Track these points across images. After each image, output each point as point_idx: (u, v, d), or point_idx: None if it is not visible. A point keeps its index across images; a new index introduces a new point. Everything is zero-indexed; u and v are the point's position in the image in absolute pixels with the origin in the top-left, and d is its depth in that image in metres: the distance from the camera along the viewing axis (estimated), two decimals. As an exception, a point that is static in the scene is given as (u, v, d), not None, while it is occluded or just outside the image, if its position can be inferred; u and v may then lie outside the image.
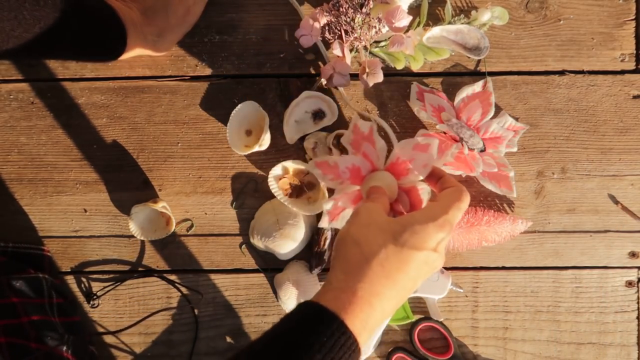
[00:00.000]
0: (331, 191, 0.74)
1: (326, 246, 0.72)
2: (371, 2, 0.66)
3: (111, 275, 0.76)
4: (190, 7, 0.70)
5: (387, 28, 0.67)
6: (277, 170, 0.72)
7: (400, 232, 0.49)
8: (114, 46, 0.66)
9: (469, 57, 0.72)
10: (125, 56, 0.69)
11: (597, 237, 0.74)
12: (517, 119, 0.72)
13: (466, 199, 0.53)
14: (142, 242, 0.75)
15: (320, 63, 0.73)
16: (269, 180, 0.72)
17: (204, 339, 0.76)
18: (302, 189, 0.73)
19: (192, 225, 0.75)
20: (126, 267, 0.76)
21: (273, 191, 0.72)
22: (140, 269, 0.75)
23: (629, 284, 0.74)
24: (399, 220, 0.51)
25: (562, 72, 0.73)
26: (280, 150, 0.74)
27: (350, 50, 0.70)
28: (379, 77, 0.68)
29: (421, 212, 0.52)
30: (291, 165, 0.72)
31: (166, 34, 0.70)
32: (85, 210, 0.75)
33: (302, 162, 0.73)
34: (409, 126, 0.73)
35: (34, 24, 0.56)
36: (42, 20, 0.57)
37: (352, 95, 0.73)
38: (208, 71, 0.74)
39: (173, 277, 0.75)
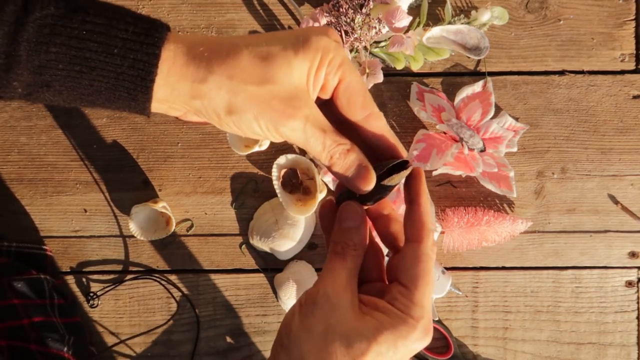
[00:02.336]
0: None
1: None
2: (371, 3, 0.66)
3: (111, 276, 0.76)
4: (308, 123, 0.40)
5: (387, 28, 0.67)
6: (282, 159, 0.72)
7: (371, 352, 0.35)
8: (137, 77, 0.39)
9: (469, 57, 0.72)
10: (158, 83, 0.39)
11: (597, 237, 0.74)
12: (517, 119, 0.72)
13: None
14: (142, 242, 0.75)
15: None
16: (274, 165, 0.71)
17: (204, 339, 0.76)
18: (297, 188, 0.73)
19: (192, 225, 0.75)
20: (126, 267, 0.76)
21: (273, 174, 0.71)
22: (140, 269, 0.76)
23: (629, 284, 0.74)
24: (369, 330, 0.36)
25: (562, 72, 0.73)
26: (280, 150, 0.74)
27: (351, 51, 0.70)
28: (379, 78, 0.68)
29: (395, 317, 0.37)
30: (304, 160, 0.72)
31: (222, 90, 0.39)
32: (85, 210, 0.75)
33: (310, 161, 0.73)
34: (409, 126, 0.73)
35: None
36: None
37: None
38: (208, 71, 0.74)
39: (173, 277, 0.75)
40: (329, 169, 0.40)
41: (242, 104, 0.38)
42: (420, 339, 0.36)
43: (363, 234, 0.39)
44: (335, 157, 0.39)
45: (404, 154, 0.41)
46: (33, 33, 0.36)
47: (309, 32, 0.39)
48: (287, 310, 0.73)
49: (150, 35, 0.37)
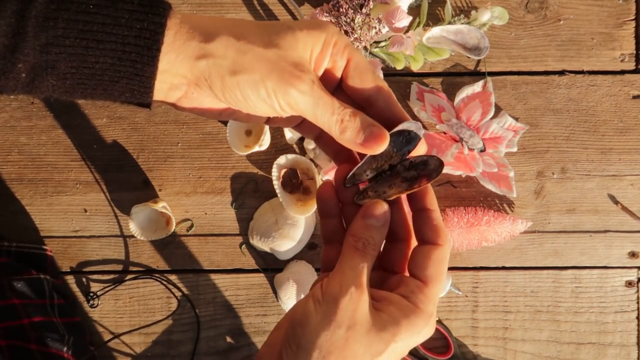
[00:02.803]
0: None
1: None
2: (371, 3, 0.66)
3: (111, 276, 0.76)
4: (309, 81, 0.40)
5: (387, 28, 0.67)
6: (282, 159, 0.72)
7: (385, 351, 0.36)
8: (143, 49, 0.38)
9: (469, 57, 0.72)
10: (165, 50, 0.38)
11: (597, 237, 0.74)
12: (517, 119, 0.72)
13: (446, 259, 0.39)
14: (142, 242, 0.75)
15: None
16: (274, 165, 0.71)
17: (204, 339, 0.76)
18: (297, 188, 0.73)
19: (192, 225, 0.75)
20: (126, 267, 0.76)
21: (273, 174, 0.71)
22: (140, 268, 0.76)
23: (629, 284, 0.74)
24: (386, 331, 0.36)
25: (562, 72, 0.73)
26: (280, 150, 0.74)
27: (350, 51, 0.70)
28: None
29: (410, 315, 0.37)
30: (304, 160, 0.72)
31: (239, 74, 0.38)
32: (85, 210, 0.75)
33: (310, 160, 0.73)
34: (409, 126, 0.73)
35: None
36: None
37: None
38: (208, 71, 0.74)
39: (173, 277, 0.75)
40: (339, 138, 0.38)
41: (250, 63, 0.37)
42: (429, 333, 0.38)
43: (385, 233, 0.39)
44: (345, 119, 0.38)
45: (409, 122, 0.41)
46: (41, 9, 0.36)
47: (314, 19, 0.40)
48: (287, 311, 0.73)
49: (155, 6, 0.38)
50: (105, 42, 0.37)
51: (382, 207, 0.39)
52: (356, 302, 0.36)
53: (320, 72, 0.40)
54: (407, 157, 0.39)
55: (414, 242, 0.41)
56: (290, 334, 0.37)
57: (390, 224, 0.40)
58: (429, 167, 0.39)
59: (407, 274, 0.40)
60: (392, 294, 0.38)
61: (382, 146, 0.38)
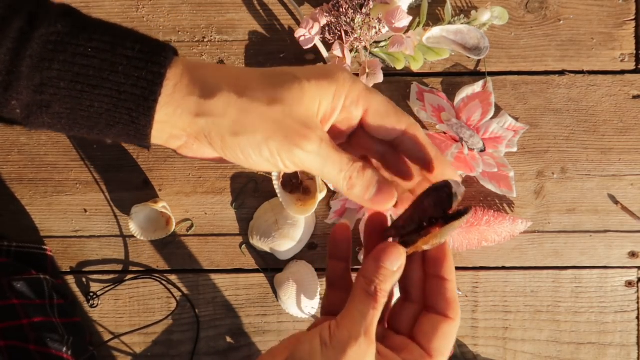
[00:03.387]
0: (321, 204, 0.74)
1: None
2: (371, 3, 0.66)
3: (111, 276, 0.76)
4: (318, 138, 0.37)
5: (387, 28, 0.67)
6: None
7: None
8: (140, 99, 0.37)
9: (469, 57, 0.72)
10: (162, 102, 0.37)
11: (597, 237, 0.74)
12: (517, 119, 0.72)
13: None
14: (142, 242, 0.75)
15: (320, 63, 0.73)
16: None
17: (204, 339, 0.76)
18: (297, 188, 0.73)
19: (192, 225, 0.75)
20: (126, 267, 0.76)
21: (273, 174, 0.71)
22: (140, 269, 0.76)
23: (629, 284, 0.74)
24: None
25: (562, 72, 0.73)
26: (280, 150, 0.74)
27: (351, 51, 0.70)
28: (379, 78, 0.68)
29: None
30: None
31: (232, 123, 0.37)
32: (85, 210, 0.75)
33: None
34: (409, 126, 0.73)
35: None
36: None
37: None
38: (208, 71, 0.74)
39: (173, 277, 0.75)
40: (347, 194, 0.37)
41: (252, 123, 0.35)
42: None
43: (396, 281, 0.37)
44: (354, 176, 0.37)
45: (449, 172, 0.39)
46: (37, 49, 0.35)
47: (324, 66, 0.37)
48: (287, 311, 0.74)
49: (156, 54, 0.36)
50: (101, 88, 0.36)
51: (398, 251, 0.36)
52: (364, 354, 0.35)
53: (329, 125, 0.38)
54: (449, 210, 0.37)
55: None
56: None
57: (405, 281, 0.39)
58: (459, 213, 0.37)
59: (410, 337, 0.39)
60: (396, 356, 0.37)
61: (389, 203, 0.37)
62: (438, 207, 0.37)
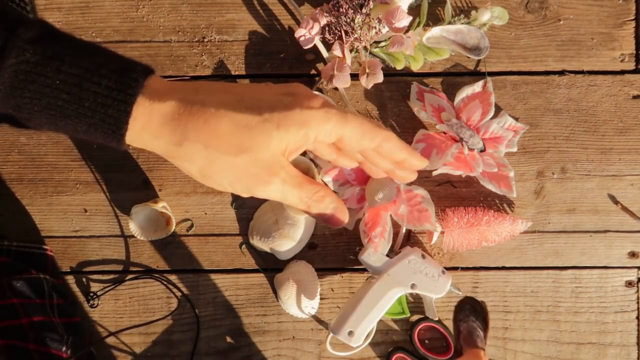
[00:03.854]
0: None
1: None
2: (371, 3, 0.66)
3: (111, 276, 0.76)
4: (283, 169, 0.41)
5: (387, 28, 0.67)
6: None
7: None
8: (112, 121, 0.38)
9: (469, 57, 0.72)
10: (131, 137, 0.39)
11: (597, 237, 0.74)
12: (517, 119, 0.72)
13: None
14: (142, 242, 0.75)
15: (320, 63, 0.73)
16: None
17: (204, 339, 0.76)
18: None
19: (192, 225, 0.75)
20: (126, 267, 0.76)
21: None
22: (140, 269, 0.76)
23: (629, 284, 0.74)
24: None
25: (562, 72, 0.73)
26: (280, 150, 0.74)
27: (351, 51, 0.70)
28: (379, 78, 0.68)
29: None
30: (304, 161, 0.72)
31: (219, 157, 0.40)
32: (85, 210, 0.75)
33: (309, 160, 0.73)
34: (409, 126, 0.73)
35: None
36: None
37: (352, 96, 0.73)
38: (208, 71, 0.74)
39: (173, 277, 0.75)
40: (306, 214, 0.43)
41: (217, 171, 0.39)
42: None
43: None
44: (312, 205, 0.42)
45: (418, 162, 0.46)
46: (8, 78, 0.36)
47: (294, 104, 0.39)
48: (287, 311, 0.74)
49: (122, 91, 0.37)
50: (72, 117, 0.37)
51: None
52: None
53: (298, 153, 0.42)
54: None
55: None
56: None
57: None
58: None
59: None
60: None
61: (344, 222, 0.44)
62: None
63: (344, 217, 0.44)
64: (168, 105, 0.38)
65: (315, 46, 0.71)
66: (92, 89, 0.37)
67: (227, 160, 0.38)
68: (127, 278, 0.75)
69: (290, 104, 0.39)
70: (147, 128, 0.38)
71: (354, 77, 0.71)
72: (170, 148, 0.38)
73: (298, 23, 0.73)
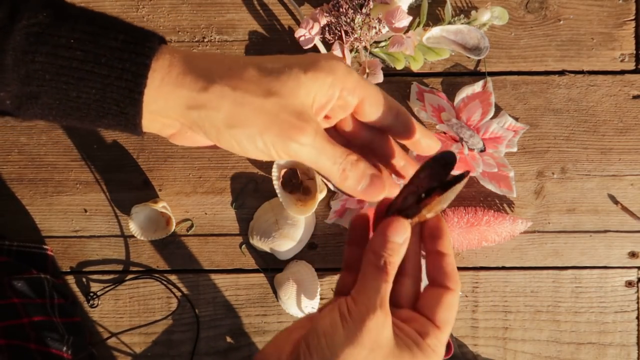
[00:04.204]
0: (322, 204, 0.74)
1: None
2: (371, 3, 0.66)
3: (111, 276, 0.76)
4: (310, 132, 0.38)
5: (387, 28, 0.67)
6: (281, 160, 0.72)
7: None
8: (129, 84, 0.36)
9: (469, 57, 0.72)
10: (149, 98, 0.36)
11: (597, 237, 0.74)
12: (517, 119, 0.72)
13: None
14: (142, 242, 0.75)
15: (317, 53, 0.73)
16: (274, 165, 0.71)
17: (204, 339, 0.76)
18: (297, 188, 0.73)
19: (192, 225, 0.75)
20: (126, 267, 0.76)
21: (273, 174, 0.71)
22: (140, 269, 0.76)
23: (629, 284, 0.74)
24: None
25: (562, 72, 0.73)
26: (280, 150, 0.74)
27: (351, 51, 0.70)
28: (379, 78, 0.68)
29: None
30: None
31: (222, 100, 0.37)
32: (86, 210, 0.75)
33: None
34: (409, 126, 0.73)
35: None
36: None
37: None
38: (208, 71, 0.74)
39: (173, 277, 0.75)
40: (340, 185, 0.38)
41: (247, 116, 0.35)
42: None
43: (403, 253, 0.38)
44: (347, 168, 0.37)
45: (433, 142, 0.41)
46: (20, 41, 0.34)
47: (318, 56, 0.38)
48: (287, 311, 0.74)
49: (140, 44, 0.35)
50: (86, 80, 0.35)
51: (403, 223, 0.38)
52: (381, 325, 0.36)
53: (323, 114, 0.39)
54: (447, 178, 0.38)
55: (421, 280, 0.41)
56: (314, 342, 0.36)
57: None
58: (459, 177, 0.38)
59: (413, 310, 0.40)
60: (409, 328, 0.38)
61: (380, 195, 0.38)
62: (434, 179, 0.38)
63: (382, 188, 0.38)
64: (189, 56, 0.37)
65: (315, 46, 0.71)
66: (109, 44, 0.35)
67: (256, 103, 0.35)
68: (127, 278, 0.75)
69: (314, 56, 0.38)
70: (166, 80, 0.35)
71: (354, 77, 0.70)
72: (194, 96, 0.35)
73: (298, 23, 0.73)
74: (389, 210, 0.39)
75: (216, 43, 0.74)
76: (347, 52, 0.67)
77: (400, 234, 0.37)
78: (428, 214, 0.38)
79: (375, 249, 0.37)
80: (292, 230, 0.72)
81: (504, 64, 0.73)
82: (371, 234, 0.41)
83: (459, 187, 0.37)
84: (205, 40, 0.74)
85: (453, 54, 0.72)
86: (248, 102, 0.35)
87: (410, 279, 0.40)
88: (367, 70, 0.68)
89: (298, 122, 0.36)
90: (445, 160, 0.38)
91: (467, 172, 0.38)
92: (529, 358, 0.75)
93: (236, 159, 0.74)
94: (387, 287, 0.37)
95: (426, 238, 0.40)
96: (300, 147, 0.36)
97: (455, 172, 0.39)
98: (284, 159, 0.38)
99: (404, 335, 0.37)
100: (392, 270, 0.37)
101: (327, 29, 0.67)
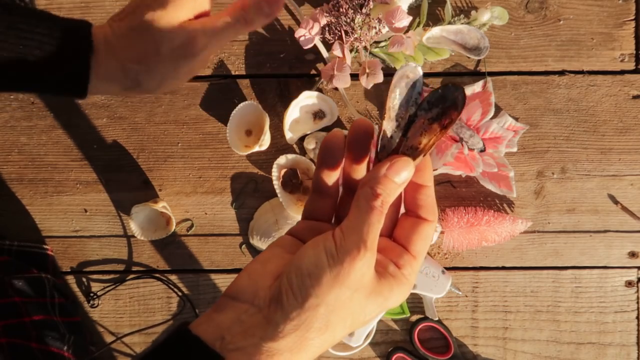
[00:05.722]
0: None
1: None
2: (371, 3, 0.66)
3: (111, 276, 0.76)
4: (195, 40, 0.46)
5: (387, 28, 0.67)
6: (282, 159, 0.72)
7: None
8: (74, 70, 0.45)
9: (469, 57, 0.72)
10: (94, 89, 0.47)
11: (596, 237, 0.74)
12: (517, 119, 0.72)
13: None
14: (142, 242, 0.75)
15: (320, 63, 0.73)
16: (274, 164, 0.71)
17: (204, 339, 0.76)
18: (297, 188, 0.73)
19: (192, 225, 0.75)
20: (126, 267, 0.76)
21: (273, 174, 0.71)
22: (140, 268, 0.76)
23: (629, 283, 0.74)
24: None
25: (562, 72, 0.73)
26: (280, 150, 0.74)
27: (351, 51, 0.70)
28: (379, 78, 0.68)
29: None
30: (304, 160, 0.72)
31: (152, 65, 0.47)
32: (86, 210, 0.75)
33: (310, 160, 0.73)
34: (409, 126, 0.73)
35: None
36: None
37: (352, 96, 0.73)
38: (208, 71, 0.74)
39: (173, 277, 0.75)
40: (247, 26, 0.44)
41: None
42: (403, 300, 0.39)
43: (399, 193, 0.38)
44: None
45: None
46: None
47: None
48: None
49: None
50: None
51: (409, 165, 0.37)
52: (368, 267, 0.36)
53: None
54: (421, 100, 0.36)
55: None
56: (297, 282, 0.36)
57: None
58: (449, 98, 0.36)
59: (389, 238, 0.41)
60: (387, 259, 0.38)
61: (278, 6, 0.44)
62: (408, 103, 0.37)
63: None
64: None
65: (315, 46, 0.71)
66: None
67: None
68: (128, 278, 0.75)
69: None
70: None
71: (354, 77, 0.71)
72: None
73: (298, 23, 0.73)
74: (381, 149, 0.38)
75: (216, 43, 0.74)
76: (347, 52, 0.67)
77: (405, 177, 0.37)
78: (430, 150, 0.37)
79: (374, 186, 0.36)
80: (292, 230, 0.72)
81: (504, 64, 0.73)
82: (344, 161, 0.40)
83: (461, 108, 0.36)
84: (205, 40, 0.74)
85: (453, 54, 0.72)
86: None
87: (392, 207, 0.39)
88: (367, 70, 0.68)
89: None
90: (408, 76, 0.37)
91: (454, 86, 0.36)
92: (529, 358, 0.75)
93: (236, 158, 0.74)
94: (378, 227, 0.36)
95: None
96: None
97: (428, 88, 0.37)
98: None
99: (382, 269, 0.38)
100: (386, 210, 0.36)
101: (327, 29, 0.67)
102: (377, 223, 0.36)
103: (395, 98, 0.37)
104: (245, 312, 0.38)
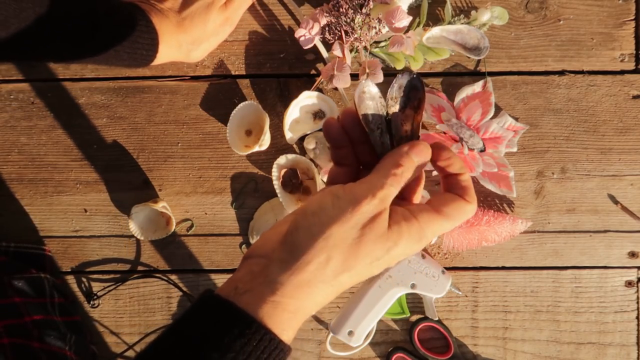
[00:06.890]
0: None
1: None
2: (371, 3, 0.66)
3: (111, 276, 0.76)
4: (229, 17, 0.69)
5: (387, 28, 0.67)
6: (282, 159, 0.72)
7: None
8: (145, 53, 0.65)
9: (468, 57, 0.72)
10: (156, 62, 0.67)
11: (596, 237, 0.74)
12: (517, 119, 0.72)
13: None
14: (142, 242, 0.75)
15: (320, 63, 0.73)
16: (274, 165, 0.71)
17: (204, 339, 0.76)
18: (297, 188, 0.73)
19: (192, 225, 0.75)
20: (126, 267, 0.76)
21: (273, 174, 0.71)
22: (140, 268, 0.76)
23: (629, 283, 0.74)
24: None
25: (562, 72, 0.73)
26: (280, 150, 0.74)
27: (351, 51, 0.70)
28: (379, 78, 0.68)
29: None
30: (304, 160, 0.72)
31: (202, 43, 0.68)
32: (86, 210, 0.75)
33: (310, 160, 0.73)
34: (409, 126, 0.73)
35: (66, 19, 0.59)
36: (74, 18, 0.60)
37: (352, 96, 0.73)
38: (208, 71, 0.74)
39: (173, 277, 0.75)
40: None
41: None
42: (417, 251, 0.45)
43: (417, 173, 0.42)
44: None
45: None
46: None
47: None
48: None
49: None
50: None
51: (427, 148, 0.41)
52: (378, 211, 0.38)
53: None
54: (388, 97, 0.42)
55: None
56: (301, 219, 0.38)
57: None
58: (405, 86, 0.42)
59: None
60: (405, 210, 0.40)
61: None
62: (381, 110, 0.43)
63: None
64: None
65: (315, 46, 0.71)
66: None
67: None
68: (128, 278, 0.75)
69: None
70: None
71: (354, 77, 0.71)
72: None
73: (298, 23, 0.73)
74: (380, 157, 0.42)
75: (216, 43, 0.74)
76: (347, 52, 0.67)
77: (423, 158, 0.41)
78: (418, 132, 0.43)
79: (398, 159, 0.40)
80: (292, 230, 0.72)
81: (504, 64, 0.73)
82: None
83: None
84: (205, 40, 0.74)
85: (453, 54, 0.72)
86: None
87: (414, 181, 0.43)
88: (367, 70, 0.68)
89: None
90: (364, 91, 0.42)
91: (402, 75, 0.42)
92: (529, 358, 0.75)
93: (236, 158, 0.74)
94: (391, 190, 0.39)
95: (440, 168, 0.43)
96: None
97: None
98: None
99: (399, 217, 0.40)
100: (403, 180, 0.40)
101: (327, 29, 0.67)
102: (392, 187, 0.39)
103: (366, 111, 0.42)
104: (256, 263, 0.40)
